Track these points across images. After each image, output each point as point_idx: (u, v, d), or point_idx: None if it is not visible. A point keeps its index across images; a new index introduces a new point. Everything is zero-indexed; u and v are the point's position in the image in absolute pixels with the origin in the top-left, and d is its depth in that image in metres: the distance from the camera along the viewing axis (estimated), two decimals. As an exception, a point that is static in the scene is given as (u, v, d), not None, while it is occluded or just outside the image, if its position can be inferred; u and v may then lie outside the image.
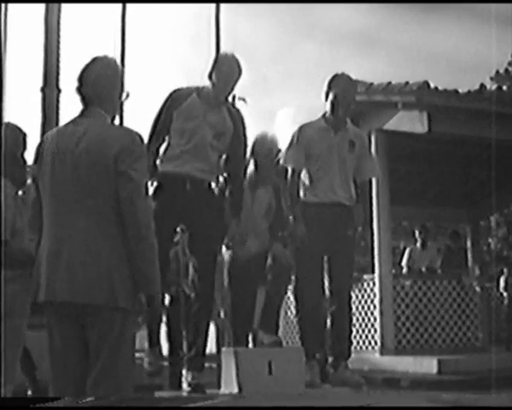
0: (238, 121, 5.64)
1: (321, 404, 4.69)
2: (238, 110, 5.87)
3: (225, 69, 5.51)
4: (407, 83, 9.46)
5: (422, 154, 11.83)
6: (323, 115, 6.13)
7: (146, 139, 4.85)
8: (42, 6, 8.80)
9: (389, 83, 9.82)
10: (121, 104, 4.03)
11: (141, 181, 3.62)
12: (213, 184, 5.59)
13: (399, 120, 9.84)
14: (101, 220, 3.57)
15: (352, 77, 6.09)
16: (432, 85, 9.33)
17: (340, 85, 6.02)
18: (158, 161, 5.48)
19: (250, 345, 5.95)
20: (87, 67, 3.80)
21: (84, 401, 3.46)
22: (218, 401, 4.67)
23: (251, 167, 6.19)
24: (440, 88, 9.39)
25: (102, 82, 3.78)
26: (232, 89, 5.67)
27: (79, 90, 3.78)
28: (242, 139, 5.68)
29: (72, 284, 3.48)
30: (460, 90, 9.49)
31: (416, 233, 12.95)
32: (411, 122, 9.57)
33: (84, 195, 3.59)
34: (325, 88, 6.05)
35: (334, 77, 6.05)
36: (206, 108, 5.50)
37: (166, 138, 5.48)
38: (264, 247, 6.05)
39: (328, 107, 6.02)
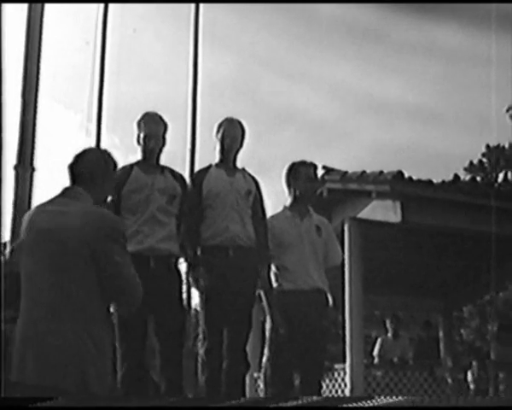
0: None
1: None
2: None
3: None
4: (381, 172, 9.50)
5: (396, 243, 11.82)
6: (286, 206, 6.23)
7: None
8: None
9: (363, 172, 9.85)
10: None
11: None
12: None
13: (373, 208, 9.85)
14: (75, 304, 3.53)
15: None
16: (406, 175, 9.37)
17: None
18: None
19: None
20: (85, 151, 3.88)
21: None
22: None
23: (217, 149, 6.10)
24: (414, 178, 9.44)
25: (97, 167, 3.82)
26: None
27: (73, 167, 3.80)
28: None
29: (44, 368, 3.43)
30: (434, 181, 9.53)
31: (388, 323, 12.88)
32: (385, 211, 9.57)
33: (58, 277, 3.55)
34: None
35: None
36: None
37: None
38: None
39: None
